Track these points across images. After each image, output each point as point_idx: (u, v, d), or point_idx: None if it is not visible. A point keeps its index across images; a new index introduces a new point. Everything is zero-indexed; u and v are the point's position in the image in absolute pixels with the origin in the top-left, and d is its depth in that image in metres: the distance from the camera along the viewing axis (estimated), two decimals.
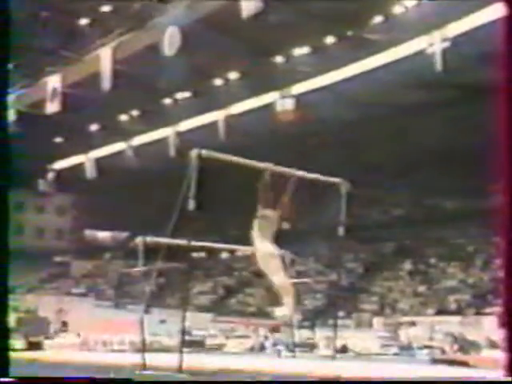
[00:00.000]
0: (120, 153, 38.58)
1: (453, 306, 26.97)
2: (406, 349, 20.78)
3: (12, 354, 5.22)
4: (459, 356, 16.15)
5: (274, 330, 24.08)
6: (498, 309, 21.19)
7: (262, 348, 22.47)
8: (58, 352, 18.32)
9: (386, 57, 26.86)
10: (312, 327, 25.94)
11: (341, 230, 10.73)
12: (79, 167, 39.94)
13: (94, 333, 25.47)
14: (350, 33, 26.96)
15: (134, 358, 9.57)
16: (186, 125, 34.76)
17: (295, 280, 12.28)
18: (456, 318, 24.98)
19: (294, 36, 27.19)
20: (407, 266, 31.79)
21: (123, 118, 36.43)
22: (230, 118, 32.28)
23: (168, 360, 9.03)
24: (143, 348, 9.68)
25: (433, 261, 31.31)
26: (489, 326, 21.35)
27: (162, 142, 35.39)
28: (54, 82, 30.23)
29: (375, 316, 28.20)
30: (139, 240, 12.47)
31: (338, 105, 29.65)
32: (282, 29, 26.10)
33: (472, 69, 23.99)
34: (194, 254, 28.97)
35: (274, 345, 21.46)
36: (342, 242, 11.02)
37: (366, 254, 34.13)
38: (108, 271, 43.27)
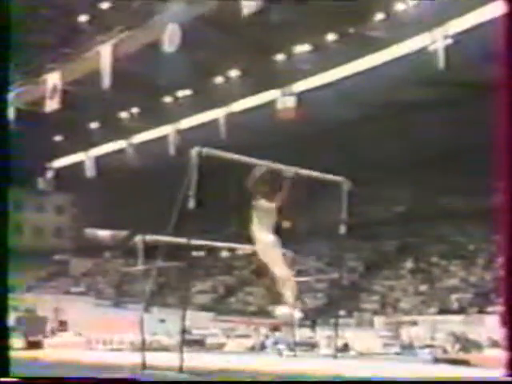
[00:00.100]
0: (120, 151, 38.59)
1: (455, 305, 26.86)
2: (408, 348, 20.55)
3: (11, 354, 5.23)
4: (461, 355, 15.82)
5: (275, 329, 23.94)
6: (500, 308, 21.02)
7: (263, 347, 22.31)
8: (58, 351, 18.06)
9: (387, 54, 26.86)
10: (313, 326, 25.79)
11: (342, 229, 10.52)
12: (79, 165, 39.99)
13: (94, 332, 25.38)
14: (351, 30, 27.00)
15: (134, 358, 9.44)
16: (186, 123, 34.75)
17: (296, 279, 12.23)
18: (458, 317, 24.87)
19: (295, 33, 27.20)
20: (409, 264, 31.66)
21: (123, 115, 36.46)
22: (231, 116, 32.33)
23: (168, 359, 8.94)
24: (143, 347, 9.53)
25: (435, 259, 31.16)
26: (491, 325, 21.20)
27: (163, 140, 35.42)
28: (53, 79, 30.21)
29: (376, 315, 28.09)
30: (139, 239, 12.36)
31: (339, 102, 29.61)
32: (283, 26, 26.11)
33: (475, 66, 23.84)
34: (194, 253, 28.83)
35: (275, 344, 21.30)
36: (343, 240, 10.77)
37: (367, 253, 33.98)
38: (107, 270, 43.25)
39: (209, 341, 24.07)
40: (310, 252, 32.65)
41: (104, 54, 28.07)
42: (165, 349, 18.83)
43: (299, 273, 20.66)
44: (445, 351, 18.51)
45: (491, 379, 5.70)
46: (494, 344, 17.68)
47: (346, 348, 19.13)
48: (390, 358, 16.41)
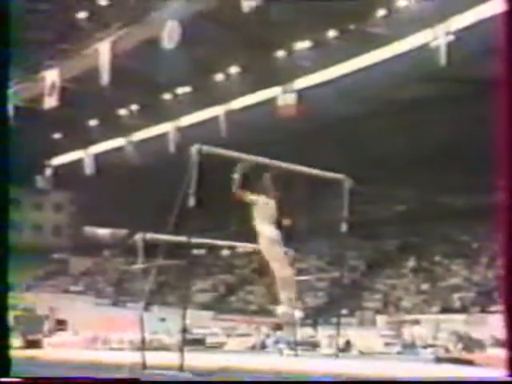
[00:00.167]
0: (119, 148, 38.47)
1: (457, 304, 26.76)
2: (410, 347, 20.52)
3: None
4: (464, 355, 15.87)
5: (276, 328, 23.82)
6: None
7: (264, 346, 22.25)
8: (57, 350, 18.04)
9: (389, 51, 26.70)
10: (314, 325, 25.69)
11: (343, 227, 10.36)
12: (78, 163, 39.92)
13: (93, 331, 25.35)
14: (352, 27, 26.86)
15: (134, 357, 9.33)
16: (186, 120, 34.61)
17: (296, 277, 12.21)
18: (460, 316, 24.81)
19: (296, 30, 27.12)
20: (411, 263, 31.52)
21: (122, 113, 36.37)
22: (231, 114, 32.20)
23: (168, 359, 8.87)
24: (143, 346, 9.48)
25: (437, 258, 31.03)
26: (494, 324, 21.06)
27: (162, 137, 35.31)
28: (51, 76, 30.16)
29: (378, 314, 28.03)
30: (138, 237, 12.19)
31: (340, 99, 29.39)
32: (284, 22, 26.05)
33: (477, 63, 23.62)
34: (195, 251, 28.71)
35: (276, 343, 21.24)
36: (345, 238, 10.66)
37: (369, 251, 33.87)
38: (107, 269, 43.27)
39: (209, 340, 24.09)
40: (311, 251, 32.56)
41: (103, 51, 28.01)
42: (165, 348, 18.88)
43: (300, 271, 20.62)
44: (447, 350, 18.52)
45: (493, 379, 5.66)
46: (497, 343, 17.53)
47: (348, 345, 19.41)
48: (392, 357, 16.76)
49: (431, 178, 32.00)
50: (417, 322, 25.07)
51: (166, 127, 35.40)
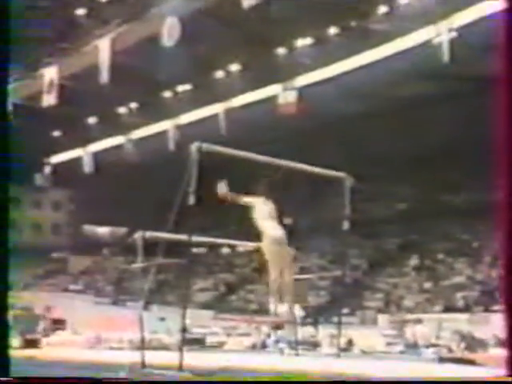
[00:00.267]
0: (118, 146, 38.43)
1: (460, 303, 26.57)
2: (412, 347, 20.34)
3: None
4: (466, 354, 16.00)
5: (277, 327, 23.68)
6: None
7: (264, 346, 22.15)
8: (56, 350, 17.92)
9: (391, 48, 26.60)
10: (315, 324, 25.58)
11: (345, 225, 10.43)
12: (77, 161, 39.92)
13: (92, 330, 25.24)
14: (353, 23, 26.77)
15: (133, 356, 9.32)
16: (186, 118, 34.55)
17: (298, 276, 12.27)
18: (463, 316, 24.63)
19: (297, 27, 27.02)
20: (413, 261, 31.34)
21: (122, 110, 36.32)
22: (231, 111, 32.15)
23: (168, 358, 8.87)
24: (142, 346, 9.39)
25: (439, 257, 30.85)
26: (497, 324, 20.85)
27: (162, 135, 35.28)
28: (50, 73, 30.04)
29: (380, 313, 27.85)
30: (138, 235, 12.11)
31: (341, 97, 29.35)
32: (284, 19, 25.97)
33: (480, 59, 23.38)
34: (195, 250, 28.59)
35: (276, 342, 21.14)
36: (346, 237, 10.79)
37: (371, 250, 33.71)
38: (106, 267, 43.15)
39: (209, 339, 23.95)
40: (313, 249, 32.43)
41: (102, 48, 27.90)
42: (165, 347, 18.77)
43: (301, 270, 20.52)
44: (450, 350, 18.46)
45: (494, 379, 5.71)
46: (501, 343, 17.34)
47: (350, 345, 19.34)
48: (394, 356, 16.77)
49: (433, 175, 31.90)
50: (419, 322, 24.86)
51: (165, 125, 35.34)
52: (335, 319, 16.66)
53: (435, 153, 30.22)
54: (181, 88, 33.26)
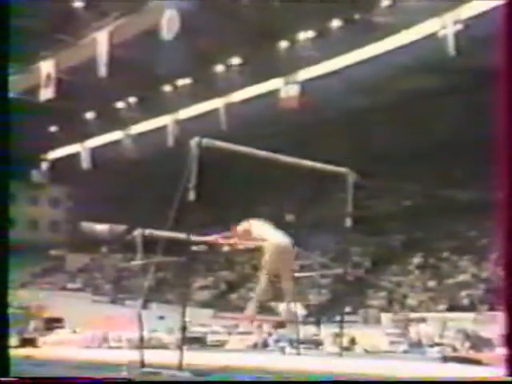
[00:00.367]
0: (117, 142, 38.23)
1: (465, 302, 26.42)
2: (416, 346, 20.04)
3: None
4: (471, 354, 15.61)
5: (279, 326, 23.45)
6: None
7: (266, 345, 21.92)
8: (53, 349, 17.84)
9: (395, 41, 26.35)
10: (317, 323, 25.38)
11: (348, 222, 10.44)
12: (74, 157, 39.74)
13: (91, 329, 24.98)
14: (357, 16, 26.48)
15: (132, 355, 9.30)
16: (185, 113, 34.39)
17: (300, 274, 12.68)
18: (468, 315, 24.38)
19: (299, 19, 26.72)
20: (417, 259, 31.16)
21: (120, 105, 36.11)
22: (232, 106, 31.93)
23: (167, 357, 8.89)
24: (141, 345, 9.35)
25: (444, 254, 30.69)
26: (502, 323, 20.56)
27: (161, 130, 35.10)
28: (47, 67, 29.78)
29: (383, 312, 27.60)
30: (137, 233, 11.96)
31: (344, 91, 29.21)
32: (286, 12, 25.69)
33: (486, 52, 23.03)
34: (195, 247, 28.38)
35: (278, 341, 20.93)
36: (349, 234, 10.77)
37: (374, 247, 33.58)
38: (105, 265, 43.00)
39: (210, 338, 23.77)
40: (315, 246, 32.22)
41: (100, 41, 27.63)
42: (164, 346, 18.81)
43: (303, 268, 20.40)
44: (454, 349, 18.11)
45: (494, 379, 5.67)
46: (501, 342, 17.04)
47: (352, 344, 19.01)
48: (398, 356, 16.55)
49: (438, 171, 31.77)
50: (423, 320, 24.65)
51: (164, 120, 35.15)
52: (338, 318, 16.62)
53: (441, 148, 30.11)
54: (180, 82, 33.02)
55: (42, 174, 42.72)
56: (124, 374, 7.47)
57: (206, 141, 8.31)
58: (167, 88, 33.61)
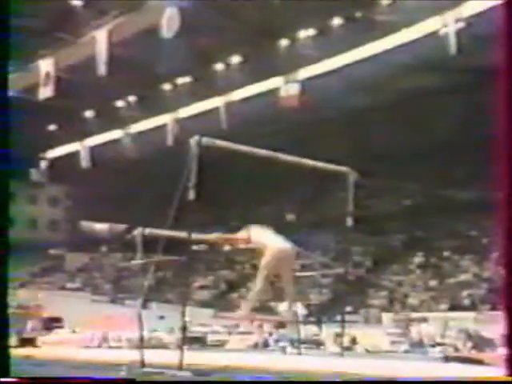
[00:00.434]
0: (116, 141, 38.23)
1: (466, 302, 26.37)
2: (417, 346, 19.94)
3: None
4: (473, 354, 15.56)
5: (279, 325, 23.38)
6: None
7: (266, 345, 21.83)
8: (53, 349, 17.61)
9: (396, 39, 26.34)
10: (318, 323, 25.33)
11: (349, 221, 10.36)
12: (73, 156, 39.75)
13: (90, 329, 24.92)
14: (357, 14, 26.45)
15: (132, 355, 9.28)
16: (185, 111, 34.39)
17: (300, 273, 12.94)
18: (470, 314, 24.38)
19: (299, 17, 26.66)
20: (418, 259, 31.10)
21: (120, 104, 36.08)
22: (232, 105, 31.91)
23: (167, 357, 8.87)
24: (141, 344, 9.30)
25: (445, 254, 30.61)
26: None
27: (161, 129, 35.09)
28: (47, 65, 29.72)
29: (384, 311, 27.57)
30: (137, 232, 11.83)
31: (345, 90, 29.18)
32: (286, 10, 25.67)
33: (488, 51, 22.91)
34: (195, 247, 28.36)
35: (279, 341, 20.85)
36: (350, 233, 10.72)
37: (375, 247, 33.51)
38: (104, 265, 43.02)
39: (210, 338, 23.64)
40: (316, 246, 32.22)
41: (100, 40, 27.58)
42: (164, 346, 18.70)
43: (303, 267, 20.35)
44: (456, 349, 18.04)
45: (494, 378, 5.52)
46: (501, 342, 17.00)
47: (353, 343, 18.96)
48: (399, 356, 16.44)
49: (439, 170, 31.70)
50: (424, 320, 24.63)
51: (164, 119, 35.16)
52: (339, 317, 16.56)
53: (441, 147, 30.00)
54: (180, 81, 32.99)
55: (41, 172, 42.69)
56: (124, 374, 7.43)
57: (205, 140, 8.29)
58: (167, 87, 33.57)
